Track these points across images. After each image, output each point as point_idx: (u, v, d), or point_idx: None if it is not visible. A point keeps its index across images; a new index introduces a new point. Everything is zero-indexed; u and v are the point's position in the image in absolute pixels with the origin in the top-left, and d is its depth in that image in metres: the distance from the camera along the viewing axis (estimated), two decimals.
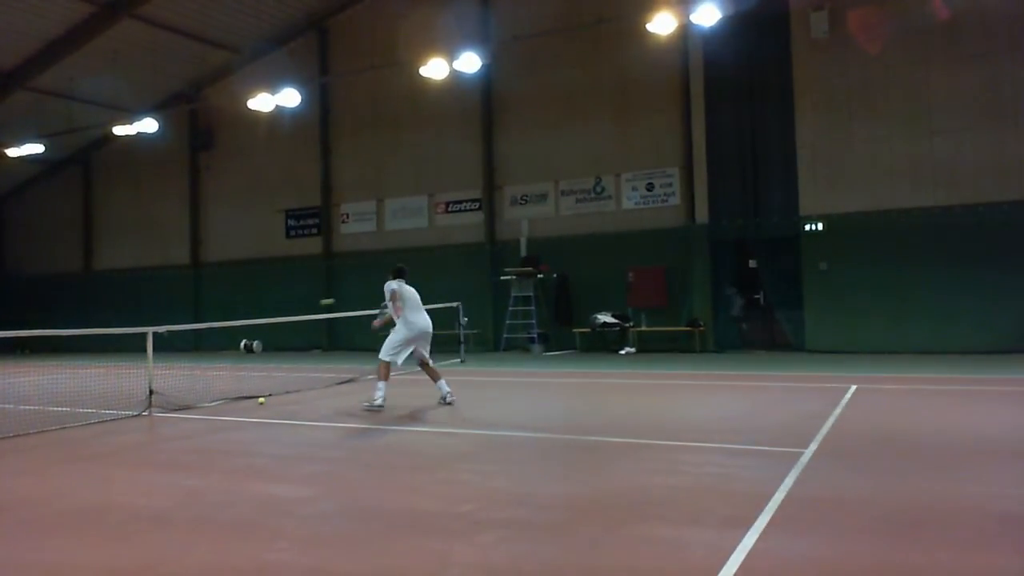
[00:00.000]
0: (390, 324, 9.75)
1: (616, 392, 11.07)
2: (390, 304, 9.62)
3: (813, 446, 6.25)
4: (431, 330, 9.69)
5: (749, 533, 4.04)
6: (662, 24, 13.97)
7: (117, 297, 24.97)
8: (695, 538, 4.12)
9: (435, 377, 9.65)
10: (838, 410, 8.20)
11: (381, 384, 9.10)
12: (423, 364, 9.68)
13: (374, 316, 10.41)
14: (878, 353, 14.76)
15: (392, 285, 9.67)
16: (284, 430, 8.24)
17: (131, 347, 20.85)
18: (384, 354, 9.32)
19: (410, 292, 9.82)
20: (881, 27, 14.81)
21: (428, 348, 9.65)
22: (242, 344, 21.66)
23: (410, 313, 9.57)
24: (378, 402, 9.00)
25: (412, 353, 9.53)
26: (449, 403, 9.42)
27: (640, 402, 9.90)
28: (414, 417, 8.76)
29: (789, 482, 5.10)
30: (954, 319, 14.67)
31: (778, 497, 4.72)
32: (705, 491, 5.06)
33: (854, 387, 10.02)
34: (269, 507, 5.00)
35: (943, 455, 6.05)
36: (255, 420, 8.81)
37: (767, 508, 4.48)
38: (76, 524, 4.72)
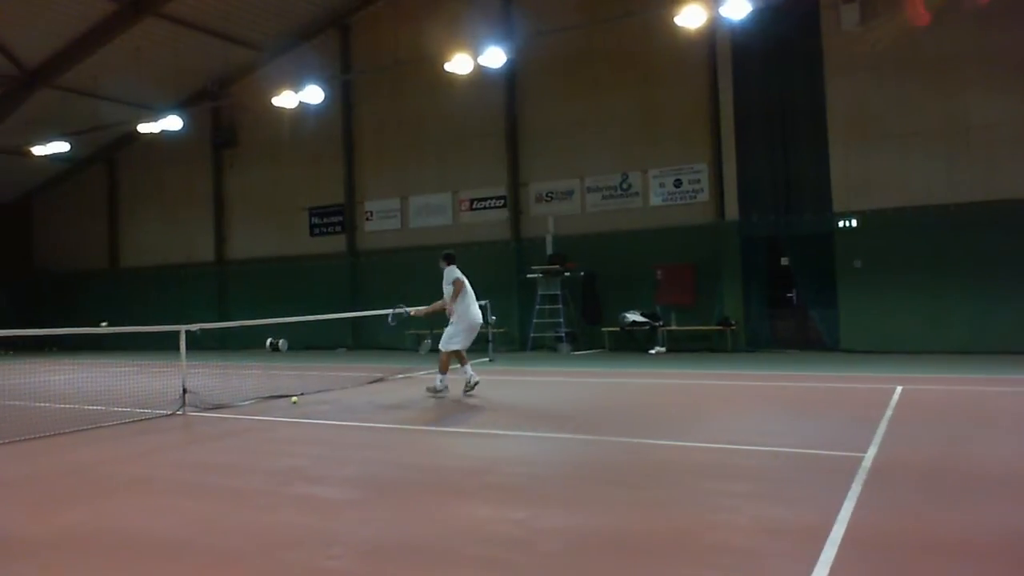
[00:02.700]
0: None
1: (655, 392, 10.87)
2: (447, 292, 10.17)
3: (872, 450, 6.03)
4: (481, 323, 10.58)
5: (827, 545, 3.84)
6: (690, 17, 13.70)
7: (142, 294, 25.05)
8: (772, 549, 3.92)
9: (463, 361, 10.31)
10: (889, 411, 7.97)
11: (443, 376, 10.11)
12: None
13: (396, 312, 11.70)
14: (914, 353, 14.45)
15: (457, 273, 10.27)
16: (321, 430, 8.12)
17: (157, 345, 20.97)
18: (443, 345, 10.20)
19: (467, 282, 10.42)
20: (914, 18, 14.43)
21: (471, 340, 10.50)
22: (268, 342, 21.64)
23: (471, 305, 10.30)
24: (440, 390, 10.05)
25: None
26: (472, 386, 10.09)
27: (682, 403, 9.70)
28: (451, 418, 8.62)
29: (856, 488, 4.89)
30: (993, 318, 14.32)
31: (848, 506, 4.51)
32: (771, 498, 4.85)
33: (899, 387, 9.76)
34: (318, 510, 4.87)
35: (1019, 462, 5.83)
36: (291, 420, 8.70)
37: (840, 517, 4.28)
38: (117, 524, 4.60)
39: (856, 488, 4.89)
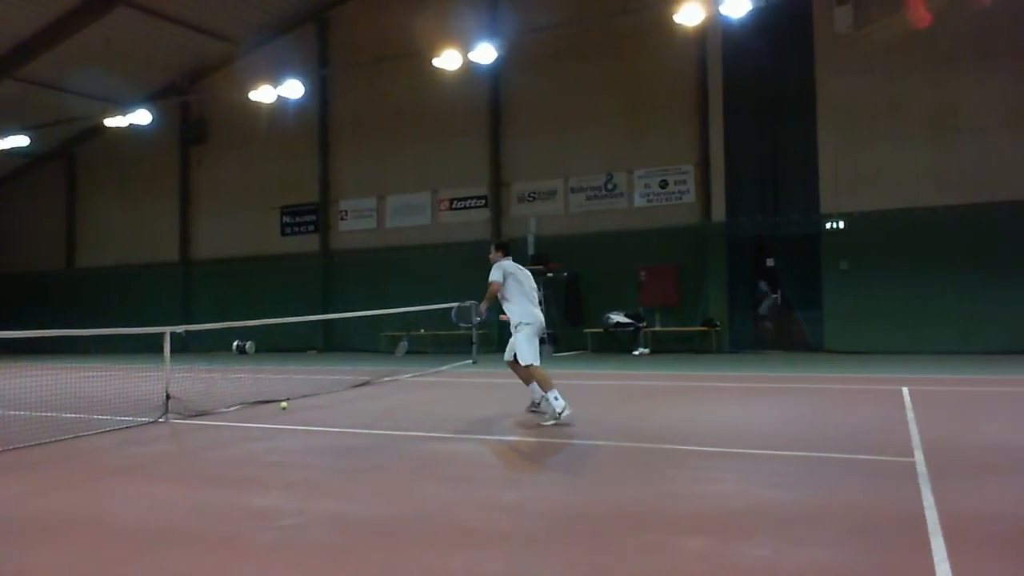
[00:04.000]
0: (496, 310, 8.18)
1: (658, 395, 10.61)
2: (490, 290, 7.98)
3: (919, 454, 5.81)
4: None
5: (936, 556, 3.57)
6: (689, 15, 13.53)
7: (100, 296, 24.06)
8: (879, 565, 3.63)
9: (528, 379, 8.11)
10: (910, 413, 7.82)
11: (553, 392, 7.65)
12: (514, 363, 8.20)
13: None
14: (898, 354, 14.51)
15: (506, 267, 8.02)
16: (322, 438, 7.62)
17: (121, 348, 20.07)
18: (529, 359, 7.85)
19: (526, 276, 8.19)
20: (915, 19, 14.47)
21: None
22: (234, 345, 20.90)
23: (531, 304, 8.07)
24: (561, 412, 7.53)
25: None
26: (538, 405, 8.06)
27: (686, 406, 9.44)
28: (458, 424, 8.19)
29: (927, 493, 4.65)
30: (977, 320, 14.47)
31: (931, 515, 4.24)
32: (848, 509, 4.51)
33: (905, 388, 9.66)
34: (358, 528, 4.43)
35: None
36: (286, 427, 8.20)
37: (931, 529, 4.00)
38: (139, 551, 4.12)
39: (928, 495, 4.64)
